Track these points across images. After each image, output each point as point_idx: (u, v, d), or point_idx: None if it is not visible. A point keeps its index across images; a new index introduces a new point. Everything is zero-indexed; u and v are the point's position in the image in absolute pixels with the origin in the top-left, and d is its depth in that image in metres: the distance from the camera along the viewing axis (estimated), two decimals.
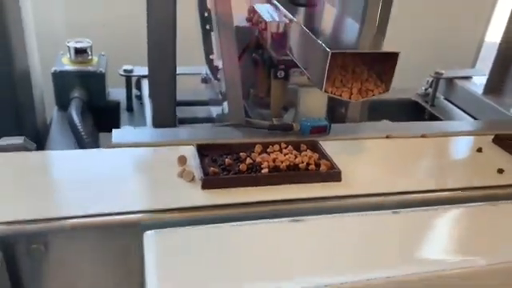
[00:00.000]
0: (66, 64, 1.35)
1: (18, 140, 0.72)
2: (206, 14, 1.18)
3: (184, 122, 1.14)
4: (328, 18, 0.92)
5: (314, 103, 0.86)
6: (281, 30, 0.87)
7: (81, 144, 1.08)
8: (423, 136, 0.86)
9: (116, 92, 1.44)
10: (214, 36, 1.17)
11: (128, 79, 1.39)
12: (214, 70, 1.19)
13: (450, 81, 1.59)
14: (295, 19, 0.82)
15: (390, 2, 0.94)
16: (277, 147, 0.77)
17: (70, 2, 1.75)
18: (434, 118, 1.49)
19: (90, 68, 1.35)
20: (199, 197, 0.64)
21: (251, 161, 0.73)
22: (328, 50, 0.66)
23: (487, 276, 0.53)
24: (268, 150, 0.76)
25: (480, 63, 2.47)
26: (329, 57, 0.65)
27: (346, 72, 0.72)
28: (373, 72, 0.73)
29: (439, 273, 0.51)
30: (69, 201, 0.61)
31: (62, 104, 1.33)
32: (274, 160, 0.72)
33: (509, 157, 0.82)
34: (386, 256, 0.53)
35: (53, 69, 1.31)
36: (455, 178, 0.75)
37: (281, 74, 0.93)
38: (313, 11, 0.91)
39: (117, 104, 1.43)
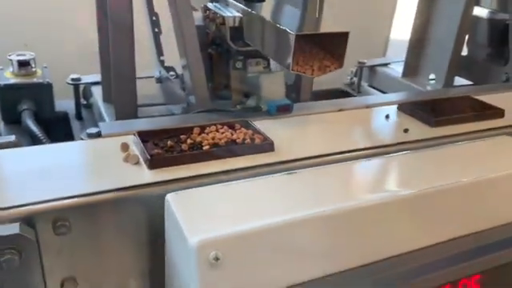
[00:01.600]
0: (10, 77, 1.34)
1: (9, 139, 0.74)
2: (154, 18, 1.25)
3: None
4: (274, 9, 1.03)
5: (274, 87, 0.96)
6: (237, 23, 0.96)
7: None
8: (341, 110, 1.00)
9: (61, 103, 1.45)
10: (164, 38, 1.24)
11: (76, 88, 1.41)
12: (166, 69, 1.25)
13: (372, 68, 1.78)
14: (253, 12, 0.92)
15: None
16: (213, 128, 0.83)
17: None
18: None
19: (37, 80, 1.34)
20: (148, 176, 0.69)
21: (192, 141, 0.78)
22: (293, 33, 0.77)
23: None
24: (206, 131, 0.82)
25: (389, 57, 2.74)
26: (294, 39, 0.76)
27: (304, 52, 0.83)
28: (326, 51, 0.85)
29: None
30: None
31: (9, 118, 1.31)
32: (213, 138, 0.78)
33: (411, 119, 0.97)
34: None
35: None
36: (369, 139, 0.87)
37: (239, 64, 1.02)
38: (260, 5, 1.01)
39: (65, 114, 1.44)
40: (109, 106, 1.24)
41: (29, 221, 0.58)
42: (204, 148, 0.76)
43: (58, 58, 1.74)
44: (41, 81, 1.34)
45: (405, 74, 1.66)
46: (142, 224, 0.66)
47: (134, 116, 1.11)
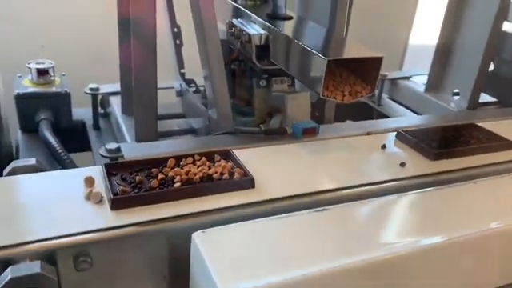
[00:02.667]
0: (28, 86, 1.32)
1: (29, 162, 0.72)
2: (175, 30, 1.22)
3: (163, 135, 1.16)
4: (300, 27, 1.00)
5: (299, 108, 0.93)
6: (264, 41, 0.93)
7: (62, 164, 1.07)
8: (369, 133, 0.96)
9: (78, 112, 1.43)
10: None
11: (94, 97, 1.39)
12: (187, 82, 1.23)
13: (393, 81, 1.74)
14: (282, 31, 0.89)
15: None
16: (190, 160, 0.75)
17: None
18: (382, 116, 1.61)
19: (55, 89, 1.33)
20: (107, 219, 0.62)
21: (163, 176, 0.71)
22: (325, 58, 0.73)
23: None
24: (181, 163, 0.74)
25: (407, 65, 2.69)
26: (326, 64, 0.73)
27: (335, 77, 0.80)
28: (357, 76, 0.82)
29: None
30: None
31: (27, 127, 1.30)
32: (187, 173, 0.71)
33: (409, 150, 0.89)
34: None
35: (15, 91, 1.28)
36: (362, 175, 0.80)
37: (263, 82, 0.99)
38: (289, 23, 0.98)
39: (82, 124, 1.42)
40: (127, 118, 1.22)
41: (49, 257, 0.55)
42: (175, 185, 0.69)
43: (72, 61, 1.73)
44: (59, 90, 1.32)
45: (428, 88, 1.61)
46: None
47: (155, 131, 1.09)
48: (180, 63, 1.24)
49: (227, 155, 0.79)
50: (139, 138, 1.07)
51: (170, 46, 1.23)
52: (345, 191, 0.74)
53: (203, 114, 1.06)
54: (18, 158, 1.24)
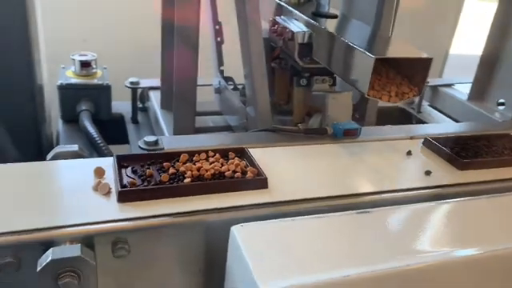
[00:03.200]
0: (71, 77, 1.35)
1: (72, 148, 0.73)
2: (217, 27, 1.22)
3: (199, 131, 1.17)
4: (345, 25, 0.98)
5: (340, 108, 0.91)
6: (307, 39, 0.92)
7: (100, 153, 1.09)
8: (412, 138, 0.92)
9: (117, 105, 1.45)
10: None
11: (134, 91, 1.40)
12: (226, 80, 1.23)
13: (435, 88, 1.69)
14: (326, 28, 0.88)
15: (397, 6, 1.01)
16: (203, 156, 0.73)
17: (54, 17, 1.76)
18: (421, 123, 1.56)
19: (96, 81, 1.35)
20: (113, 211, 0.60)
21: (174, 170, 0.68)
22: (372, 56, 0.71)
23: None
24: (194, 158, 0.72)
25: (446, 74, 2.63)
26: (373, 63, 0.71)
27: (380, 77, 0.78)
28: (403, 76, 0.80)
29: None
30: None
31: (68, 117, 1.32)
32: (198, 169, 0.68)
33: (436, 158, 0.84)
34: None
35: (59, 82, 1.31)
36: (381, 181, 0.76)
37: (303, 81, 0.98)
38: (334, 21, 0.96)
39: (121, 117, 1.44)
40: (166, 113, 1.23)
41: (88, 242, 0.56)
42: (185, 181, 0.66)
43: (114, 55, 1.76)
44: (101, 82, 1.35)
45: (471, 96, 1.56)
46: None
47: (192, 127, 1.09)
48: (220, 60, 1.24)
49: (242, 153, 0.76)
50: (177, 133, 1.07)
51: (212, 43, 1.24)
52: (362, 198, 0.71)
53: (241, 111, 1.06)
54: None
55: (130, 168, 0.69)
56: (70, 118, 1.31)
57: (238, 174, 0.69)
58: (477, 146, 0.87)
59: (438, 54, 2.62)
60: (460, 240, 0.59)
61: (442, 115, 1.61)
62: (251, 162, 0.73)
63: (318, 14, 0.97)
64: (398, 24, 1.14)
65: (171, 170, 0.69)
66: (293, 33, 0.93)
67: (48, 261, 0.51)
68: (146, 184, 0.65)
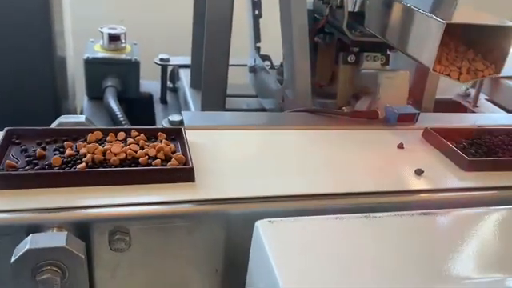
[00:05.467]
0: (99, 51, 1.27)
1: (78, 118, 0.63)
2: None
3: None
4: None
5: (395, 90, 0.77)
6: (358, 7, 0.79)
7: None
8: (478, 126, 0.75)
9: (146, 84, 1.37)
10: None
11: (163, 69, 1.31)
12: (262, 58, 1.11)
13: (496, 80, 1.51)
14: None
15: None
16: (122, 135, 0.59)
17: None
18: None
19: (125, 56, 1.26)
20: None
21: (72, 152, 0.54)
22: (442, 21, 0.57)
23: None
24: (108, 138, 0.58)
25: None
26: (443, 29, 0.57)
27: (449, 50, 0.64)
28: (476, 51, 0.65)
29: None
30: None
31: (94, 93, 1.24)
32: (104, 152, 0.54)
33: (438, 155, 0.65)
34: None
35: (85, 55, 1.23)
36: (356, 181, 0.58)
37: (352, 58, 0.85)
38: None
39: (149, 96, 1.35)
40: (196, 93, 1.13)
41: (80, 230, 0.45)
42: (79, 166, 0.52)
43: (151, 38, 1.69)
44: (129, 58, 1.26)
45: None
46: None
47: (222, 108, 0.98)
48: (257, 36, 1.12)
49: (176, 134, 0.61)
50: (205, 107, 0.97)
51: (248, 16, 1.12)
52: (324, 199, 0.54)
53: (277, 93, 0.94)
54: None
55: (21, 146, 0.55)
56: (96, 94, 1.23)
57: (156, 162, 0.54)
58: (492, 142, 0.68)
59: None
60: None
61: (501, 110, 1.44)
62: (183, 148, 0.58)
63: None
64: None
65: (68, 152, 0.54)
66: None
67: (24, 250, 0.41)
68: (28, 168, 0.51)
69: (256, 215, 0.45)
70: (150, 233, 0.48)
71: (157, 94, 1.35)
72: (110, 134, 0.58)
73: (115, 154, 0.53)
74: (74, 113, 1.28)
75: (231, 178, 0.54)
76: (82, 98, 1.30)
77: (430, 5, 0.71)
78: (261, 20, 1.15)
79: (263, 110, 1.05)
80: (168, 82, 1.37)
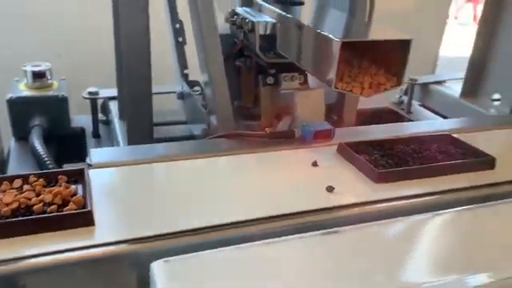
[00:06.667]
0: (24, 90, 1.23)
1: None
2: (177, 26, 1.10)
3: (160, 142, 1.04)
4: (315, 13, 0.86)
5: (312, 107, 0.78)
6: (269, 29, 0.80)
7: None
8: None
9: (78, 119, 1.33)
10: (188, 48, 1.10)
11: (93, 103, 1.28)
12: (190, 84, 1.11)
13: (425, 86, 1.57)
14: (291, 16, 0.75)
15: None
16: (18, 183, 0.56)
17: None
18: None
19: (51, 93, 1.23)
20: None
21: None
22: (337, 39, 0.59)
23: None
24: (1, 187, 0.55)
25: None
26: (339, 47, 0.58)
27: (351, 67, 0.65)
28: (379, 65, 0.67)
29: None
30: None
31: (20, 134, 1.20)
32: None
33: (350, 168, 0.67)
34: None
35: (8, 95, 1.19)
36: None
37: (270, 79, 0.85)
38: (299, 8, 0.84)
39: (81, 131, 1.32)
40: (124, 124, 1.10)
41: None
42: None
43: (84, 71, 1.65)
44: (56, 94, 1.22)
45: (464, 93, 1.44)
46: None
47: (150, 138, 0.97)
48: (182, 63, 1.12)
49: (79, 176, 0.59)
50: (132, 140, 0.95)
51: (171, 43, 1.11)
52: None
53: (204, 118, 0.93)
54: (7, 166, 1.14)
55: None
56: (22, 134, 1.18)
57: (52, 208, 0.51)
58: (404, 152, 0.70)
59: (429, 54, 2.54)
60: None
61: (433, 114, 1.50)
62: (85, 188, 0.56)
63: (281, 1, 0.84)
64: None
65: None
66: (253, 23, 0.80)
67: None
68: None
69: (161, 253, 0.44)
70: (49, 285, 0.46)
71: (90, 128, 1.32)
72: (5, 182, 0.55)
73: (7, 205, 0.50)
74: (2, 154, 1.22)
75: (136, 217, 0.53)
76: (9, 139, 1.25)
77: (336, 25, 0.73)
78: (189, 47, 1.14)
79: (193, 136, 1.04)
80: (101, 115, 1.35)
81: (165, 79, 1.22)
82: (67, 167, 1.16)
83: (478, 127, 0.93)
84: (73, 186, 0.55)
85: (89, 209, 0.51)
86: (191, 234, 0.50)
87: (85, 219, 0.50)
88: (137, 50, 0.86)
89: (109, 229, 0.50)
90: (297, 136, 0.75)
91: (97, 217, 0.51)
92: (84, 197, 0.53)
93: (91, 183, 0.57)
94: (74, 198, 0.53)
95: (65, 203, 0.52)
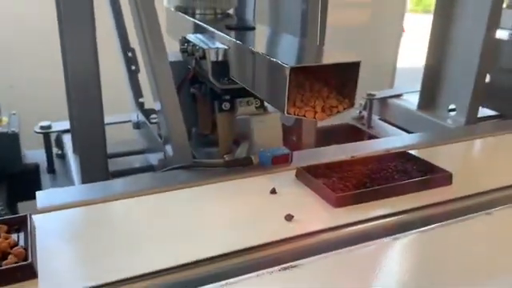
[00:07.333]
0: None
1: None
2: (129, 54, 1.08)
3: (118, 175, 1.00)
4: (267, 38, 0.86)
5: (269, 132, 0.77)
6: (221, 56, 0.78)
7: None
8: (353, 157, 0.76)
9: (32, 154, 1.28)
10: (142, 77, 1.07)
11: (46, 137, 1.23)
12: (146, 113, 1.08)
13: (383, 101, 1.60)
14: (239, 42, 0.74)
15: (325, 17, 0.90)
16: None
17: None
18: (373, 139, 1.46)
19: (0, 129, 1.17)
20: None
21: None
22: (286, 65, 0.58)
23: None
24: None
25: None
26: (288, 73, 0.57)
27: (303, 91, 0.65)
28: (331, 88, 0.67)
29: None
30: None
31: None
32: None
33: (309, 193, 0.65)
34: None
35: None
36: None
37: (226, 105, 0.84)
38: (250, 34, 0.84)
39: (35, 167, 1.26)
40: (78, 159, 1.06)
41: None
42: None
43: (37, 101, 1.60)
44: (5, 130, 1.17)
45: (421, 105, 1.48)
46: None
47: (105, 172, 0.93)
48: (137, 92, 1.09)
49: (21, 224, 0.55)
50: (87, 181, 0.91)
51: (124, 72, 1.09)
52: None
53: (160, 148, 0.91)
54: None
55: None
56: None
57: None
58: (361, 173, 0.69)
59: (386, 68, 2.60)
60: None
61: (394, 128, 1.52)
62: (27, 238, 0.52)
63: (232, 28, 0.83)
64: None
65: None
66: (204, 50, 0.79)
67: None
68: None
69: None
70: None
71: (44, 164, 1.26)
72: None
73: None
74: None
75: (84, 265, 0.50)
76: None
77: (286, 51, 0.72)
78: (143, 74, 1.12)
79: (148, 167, 1.01)
80: (56, 149, 1.29)
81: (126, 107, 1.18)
82: (21, 206, 1.11)
83: (434, 142, 0.94)
84: (14, 236, 0.51)
85: (29, 261, 0.47)
86: (140, 280, 0.47)
87: (26, 272, 0.46)
88: (86, 79, 0.83)
89: (53, 281, 0.46)
90: (255, 162, 0.73)
91: (42, 268, 0.47)
92: (25, 248, 0.49)
93: (37, 230, 0.53)
94: (14, 249, 0.49)
95: (5, 256, 0.48)
